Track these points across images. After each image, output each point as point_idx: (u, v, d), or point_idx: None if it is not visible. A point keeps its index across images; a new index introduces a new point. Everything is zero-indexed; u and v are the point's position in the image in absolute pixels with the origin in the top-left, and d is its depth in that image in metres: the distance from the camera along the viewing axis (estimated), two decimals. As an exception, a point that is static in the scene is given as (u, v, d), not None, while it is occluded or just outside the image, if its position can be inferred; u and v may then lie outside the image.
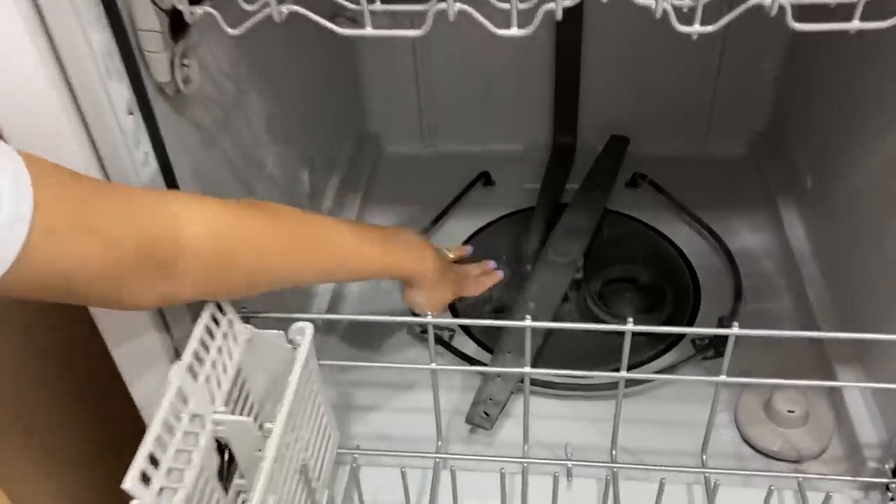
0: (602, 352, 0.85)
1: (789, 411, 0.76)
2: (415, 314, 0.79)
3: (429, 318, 0.62)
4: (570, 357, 0.86)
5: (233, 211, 0.54)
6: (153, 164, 0.57)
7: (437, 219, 1.04)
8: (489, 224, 1.03)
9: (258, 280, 0.56)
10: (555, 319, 0.88)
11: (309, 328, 0.60)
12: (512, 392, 0.79)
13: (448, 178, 1.08)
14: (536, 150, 1.12)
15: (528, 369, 0.64)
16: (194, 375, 0.53)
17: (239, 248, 0.52)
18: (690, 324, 0.90)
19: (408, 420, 0.80)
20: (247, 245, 0.53)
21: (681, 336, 0.88)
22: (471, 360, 0.85)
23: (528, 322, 0.60)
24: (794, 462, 0.75)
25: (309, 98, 0.93)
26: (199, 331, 0.54)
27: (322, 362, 0.65)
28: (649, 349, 0.87)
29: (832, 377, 0.80)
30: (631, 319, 0.59)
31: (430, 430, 0.73)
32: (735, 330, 0.58)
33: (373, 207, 1.08)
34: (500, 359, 0.82)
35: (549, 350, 0.87)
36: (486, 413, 0.77)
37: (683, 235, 0.99)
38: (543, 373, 0.76)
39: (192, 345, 0.53)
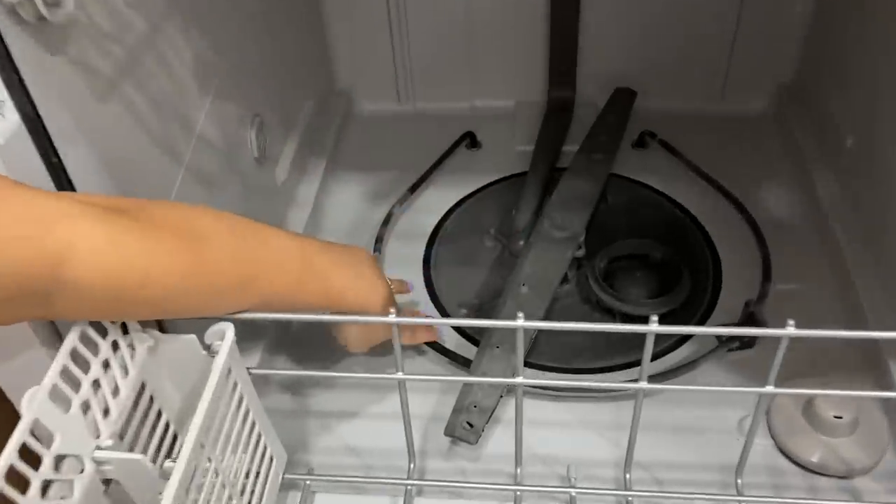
0: (609, 341, 0.74)
1: (836, 417, 0.63)
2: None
3: (392, 317, 0.48)
4: (571, 347, 0.74)
5: (140, 244, 0.40)
6: (13, 117, 0.42)
7: (415, 187, 0.91)
8: (474, 192, 0.91)
9: (164, 315, 0.45)
10: (552, 304, 0.75)
11: (230, 330, 0.46)
12: (501, 396, 0.66)
13: (427, 139, 0.96)
14: (529, 107, 1.00)
15: (520, 379, 0.50)
16: (64, 403, 0.39)
17: (139, 292, 0.40)
18: (711, 308, 0.78)
19: (378, 429, 0.68)
20: (151, 290, 0.41)
21: (700, 322, 0.76)
22: (452, 356, 0.72)
23: (520, 322, 0.46)
24: (842, 477, 0.63)
25: (258, 42, 0.78)
26: (69, 342, 0.40)
27: (254, 371, 0.51)
28: (663, 339, 0.74)
29: (887, 376, 0.66)
30: (655, 318, 0.45)
31: (404, 440, 0.60)
32: (790, 331, 0.44)
33: (340, 174, 0.95)
34: (487, 355, 0.68)
35: (546, 339, 0.74)
36: (469, 424, 0.63)
37: (700, 204, 0.87)
38: (541, 384, 0.63)
39: (59, 363, 0.39)
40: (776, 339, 0.45)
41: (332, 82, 1.03)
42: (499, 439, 0.66)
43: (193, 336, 0.47)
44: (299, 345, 0.75)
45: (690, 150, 0.91)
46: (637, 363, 0.68)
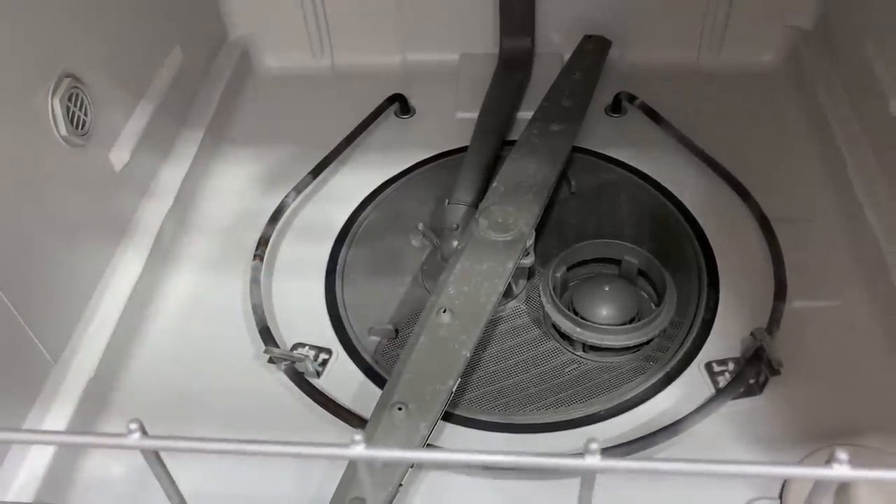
0: (567, 382, 0.58)
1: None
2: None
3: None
4: (518, 391, 0.58)
5: None
6: None
7: (320, 168, 0.73)
8: (401, 174, 0.75)
9: None
10: (493, 328, 0.60)
11: None
12: (401, 485, 0.46)
13: (345, 104, 0.81)
14: (476, 62, 0.85)
15: None
16: None
17: None
18: (704, 335, 0.59)
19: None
20: None
21: (689, 355, 0.59)
22: (345, 415, 0.54)
23: (358, 449, 0.25)
24: None
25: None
26: None
27: None
28: (636, 377, 0.58)
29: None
30: (595, 448, 0.24)
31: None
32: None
33: (224, 152, 0.78)
34: (385, 420, 0.48)
35: (480, 381, 0.59)
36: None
37: (693, 189, 0.72)
38: (444, 460, 0.43)
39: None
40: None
41: (220, 29, 0.86)
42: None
43: None
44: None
45: (679, 118, 0.77)
46: (606, 415, 0.55)
